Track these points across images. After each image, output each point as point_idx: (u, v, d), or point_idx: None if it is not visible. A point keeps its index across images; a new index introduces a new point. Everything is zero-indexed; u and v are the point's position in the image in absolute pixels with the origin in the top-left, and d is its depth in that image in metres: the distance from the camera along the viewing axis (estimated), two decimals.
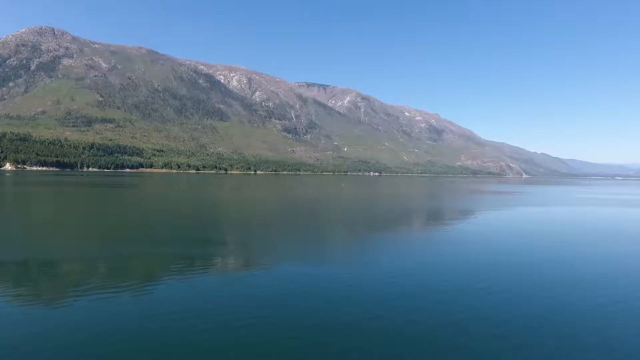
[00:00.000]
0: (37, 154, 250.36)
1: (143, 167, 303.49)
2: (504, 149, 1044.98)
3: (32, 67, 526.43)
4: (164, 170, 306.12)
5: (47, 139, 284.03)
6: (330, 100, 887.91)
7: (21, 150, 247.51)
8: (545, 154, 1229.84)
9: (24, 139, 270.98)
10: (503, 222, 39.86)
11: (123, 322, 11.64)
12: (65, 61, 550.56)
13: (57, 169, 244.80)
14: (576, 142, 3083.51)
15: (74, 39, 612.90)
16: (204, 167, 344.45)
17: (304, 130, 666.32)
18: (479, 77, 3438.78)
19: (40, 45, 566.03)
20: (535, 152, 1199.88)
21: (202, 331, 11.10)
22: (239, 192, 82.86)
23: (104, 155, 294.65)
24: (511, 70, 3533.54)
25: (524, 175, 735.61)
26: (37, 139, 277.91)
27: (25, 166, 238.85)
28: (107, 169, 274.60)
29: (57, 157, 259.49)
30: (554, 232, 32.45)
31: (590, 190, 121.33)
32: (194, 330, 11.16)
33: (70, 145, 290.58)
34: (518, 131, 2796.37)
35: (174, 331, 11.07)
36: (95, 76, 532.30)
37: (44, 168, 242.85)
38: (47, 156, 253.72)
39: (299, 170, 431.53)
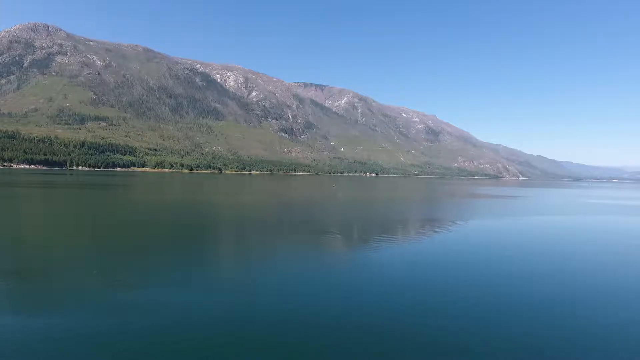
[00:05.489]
0: (25, 152, 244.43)
1: (135, 166, 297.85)
2: (500, 150, 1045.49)
3: (25, 64, 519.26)
4: (156, 169, 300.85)
5: (36, 137, 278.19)
6: (327, 101, 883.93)
7: (8, 148, 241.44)
8: (542, 156, 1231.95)
9: (11, 136, 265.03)
10: (506, 231, 35.81)
11: (119, 325, 11.52)
12: (59, 58, 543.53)
13: (45, 168, 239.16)
14: (572, 144, 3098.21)
15: (69, 36, 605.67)
16: (198, 166, 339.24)
17: (300, 130, 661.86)
18: (476, 78, 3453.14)
19: (34, 42, 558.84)
20: (532, 154, 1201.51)
21: (201, 333, 11.21)
22: (202, 195, 78.61)
23: (95, 154, 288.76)
24: (508, 73, 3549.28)
25: (521, 177, 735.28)
26: (25, 137, 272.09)
27: (12, 164, 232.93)
28: (98, 167, 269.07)
29: (46, 155, 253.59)
30: (574, 247, 28.38)
31: (593, 194, 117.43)
32: (192, 333, 11.22)
33: (60, 144, 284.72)
34: (515, 133, 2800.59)
35: (172, 334, 11.15)
36: (90, 74, 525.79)
37: (32, 166, 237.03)
38: (36, 154, 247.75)
39: (295, 170, 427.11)
